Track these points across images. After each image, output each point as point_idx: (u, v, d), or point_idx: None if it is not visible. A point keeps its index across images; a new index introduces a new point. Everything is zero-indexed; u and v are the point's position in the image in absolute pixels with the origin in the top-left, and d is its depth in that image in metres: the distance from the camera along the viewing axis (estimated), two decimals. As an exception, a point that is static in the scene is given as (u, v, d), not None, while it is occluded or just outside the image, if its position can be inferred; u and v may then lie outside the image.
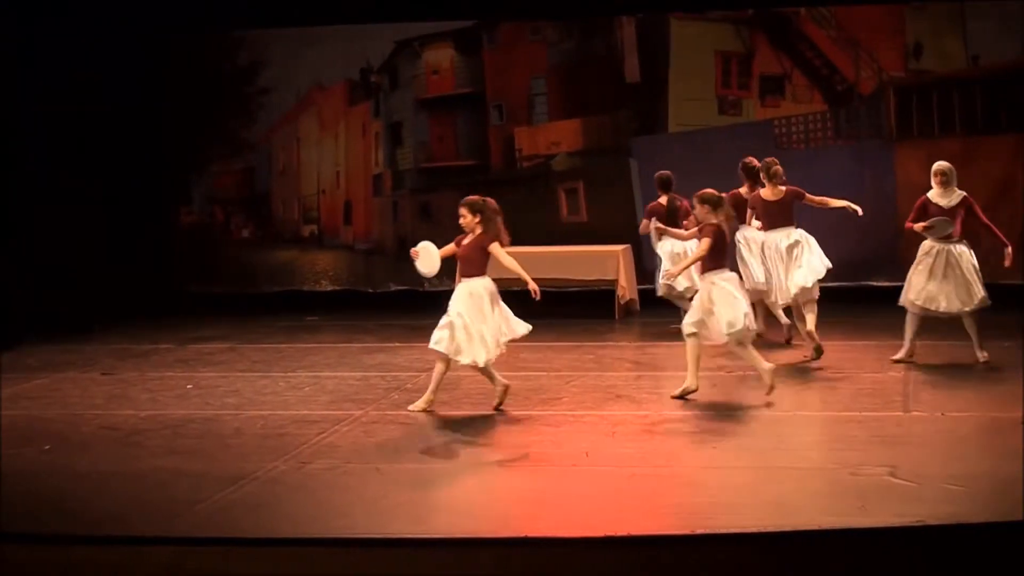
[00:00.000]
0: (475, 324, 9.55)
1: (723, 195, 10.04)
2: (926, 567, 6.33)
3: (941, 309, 11.11)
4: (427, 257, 9.82)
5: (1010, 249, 11.04)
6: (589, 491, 7.63)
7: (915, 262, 11.25)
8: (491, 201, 9.84)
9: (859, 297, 14.93)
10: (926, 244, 11.19)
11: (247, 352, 12.82)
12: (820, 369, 11.11)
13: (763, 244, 11.97)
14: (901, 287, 14.89)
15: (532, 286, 9.63)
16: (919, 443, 8.44)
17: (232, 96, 16.65)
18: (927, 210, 11.12)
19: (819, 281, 11.86)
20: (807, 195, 11.90)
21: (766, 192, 11.94)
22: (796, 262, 11.79)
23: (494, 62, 16.24)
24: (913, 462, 7.87)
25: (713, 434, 8.85)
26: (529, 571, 6.48)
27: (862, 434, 8.65)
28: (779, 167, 11.88)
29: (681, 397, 9.90)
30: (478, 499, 7.58)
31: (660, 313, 14.04)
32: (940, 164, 11.21)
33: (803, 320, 11.72)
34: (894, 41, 15.39)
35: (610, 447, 8.60)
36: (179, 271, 16.54)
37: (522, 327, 9.78)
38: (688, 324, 9.90)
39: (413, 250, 9.90)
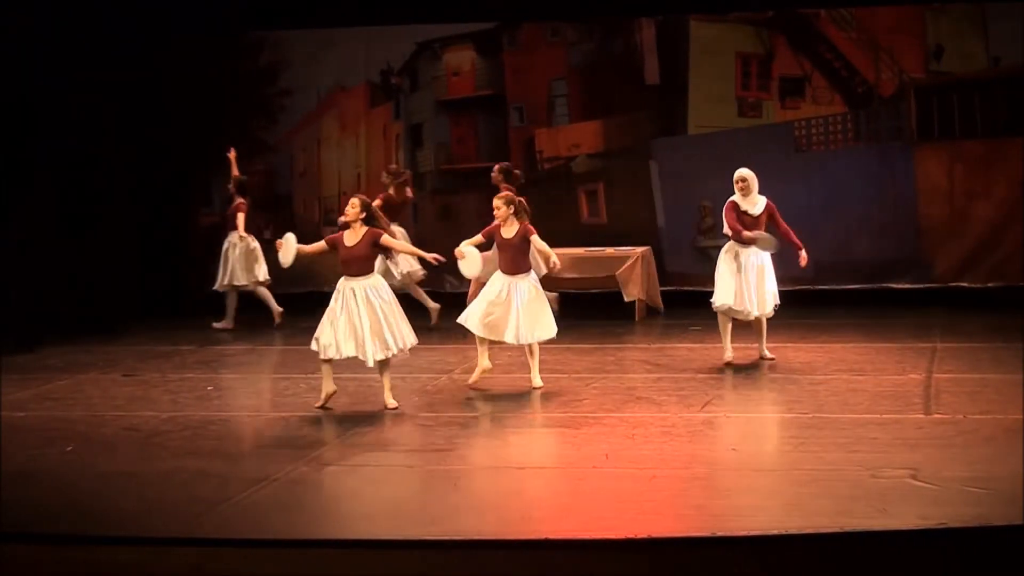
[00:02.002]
0: None
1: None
2: (948, 570, 6.32)
3: (754, 312, 11.29)
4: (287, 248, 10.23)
5: (804, 252, 11.33)
6: (609, 493, 7.63)
7: (720, 266, 11.38)
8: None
9: (879, 299, 14.90)
10: (731, 246, 11.32)
11: (267, 353, 12.86)
12: (840, 371, 11.09)
13: None
14: (922, 289, 15.00)
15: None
16: (940, 445, 8.42)
17: (253, 97, 16.68)
18: (740, 217, 11.26)
19: None
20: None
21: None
22: None
23: (514, 64, 16.25)
24: (934, 464, 7.85)
25: (733, 436, 8.84)
26: (549, 573, 6.49)
27: (883, 436, 8.64)
28: (517, 172, 13.29)
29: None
30: (498, 501, 7.59)
31: (680, 315, 14.03)
32: (741, 171, 11.34)
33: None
34: (915, 42, 15.33)
35: (630, 449, 8.60)
36: (199, 272, 16.57)
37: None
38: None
39: (278, 241, 10.37)
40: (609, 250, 14.30)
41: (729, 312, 11.32)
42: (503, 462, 8.48)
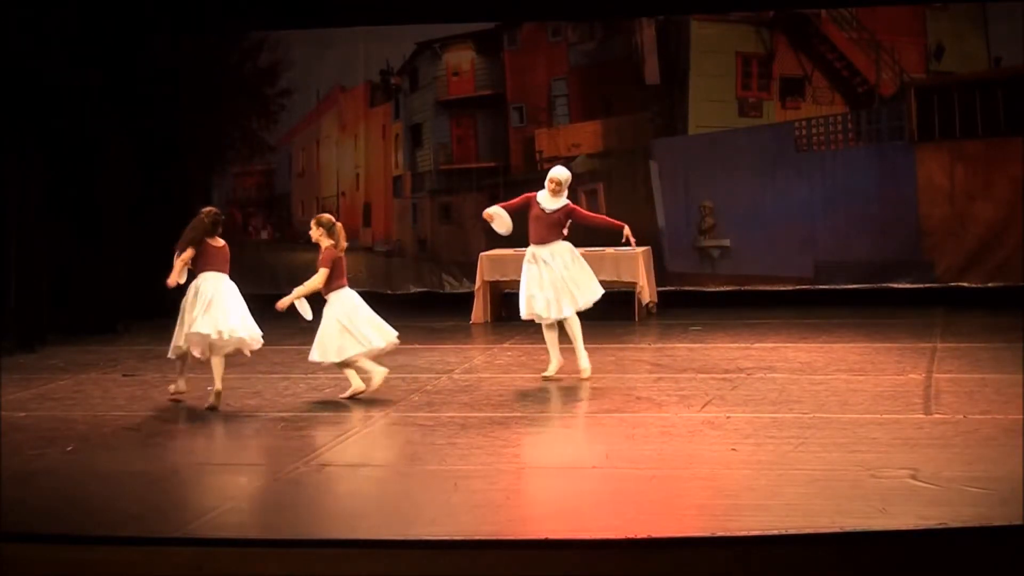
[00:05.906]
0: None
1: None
2: (948, 570, 6.31)
3: (553, 316, 10.98)
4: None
5: (628, 229, 11.13)
6: (609, 493, 7.63)
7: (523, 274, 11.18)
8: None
9: (879, 299, 14.90)
10: (527, 252, 11.10)
11: (267, 353, 12.78)
12: (840, 371, 11.09)
13: None
14: (922, 289, 14.99)
15: None
16: (940, 445, 8.42)
17: (253, 97, 16.67)
18: (530, 207, 11.01)
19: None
20: None
21: None
22: None
23: (515, 63, 16.24)
24: (935, 464, 7.85)
25: (733, 436, 8.84)
26: (549, 573, 6.48)
27: (883, 436, 8.64)
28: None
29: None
30: (498, 501, 7.58)
31: (680, 315, 14.02)
32: (563, 173, 11.01)
33: None
34: (915, 42, 15.34)
35: (630, 449, 8.60)
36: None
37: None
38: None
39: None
40: (609, 250, 14.27)
41: (538, 319, 11.05)
42: (503, 462, 8.47)
